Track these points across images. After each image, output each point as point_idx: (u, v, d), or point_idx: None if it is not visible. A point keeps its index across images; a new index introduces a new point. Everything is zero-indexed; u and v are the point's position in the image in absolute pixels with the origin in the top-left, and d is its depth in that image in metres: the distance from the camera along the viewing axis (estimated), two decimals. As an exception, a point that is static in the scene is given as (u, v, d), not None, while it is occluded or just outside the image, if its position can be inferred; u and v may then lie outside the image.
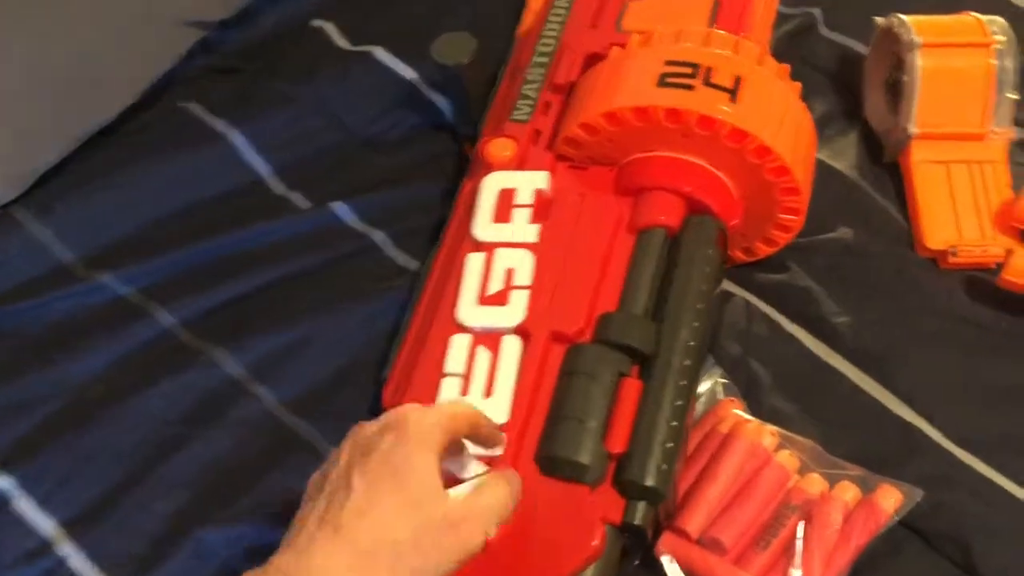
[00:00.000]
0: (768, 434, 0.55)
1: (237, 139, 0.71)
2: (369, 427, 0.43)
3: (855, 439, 0.58)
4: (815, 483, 0.54)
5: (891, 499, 0.53)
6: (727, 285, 0.65)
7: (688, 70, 0.56)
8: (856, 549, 0.52)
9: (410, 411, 0.43)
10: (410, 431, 0.42)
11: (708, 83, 0.56)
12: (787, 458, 0.55)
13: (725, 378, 0.59)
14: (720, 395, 0.59)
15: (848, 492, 0.53)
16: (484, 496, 0.43)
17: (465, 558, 0.41)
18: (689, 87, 0.56)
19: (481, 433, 0.47)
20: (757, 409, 0.59)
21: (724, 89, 0.56)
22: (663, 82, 0.56)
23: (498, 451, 0.49)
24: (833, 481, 0.54)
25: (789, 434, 0.56)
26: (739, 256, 0.65)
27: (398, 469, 0.40)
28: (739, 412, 0.57)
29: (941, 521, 0.54)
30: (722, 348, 0.61)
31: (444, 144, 0.72)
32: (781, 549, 0.52)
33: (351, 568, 0.38)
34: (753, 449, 0.55)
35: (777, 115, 0.57)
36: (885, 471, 0.56)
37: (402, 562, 0.39)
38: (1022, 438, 0.57)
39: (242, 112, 0.73)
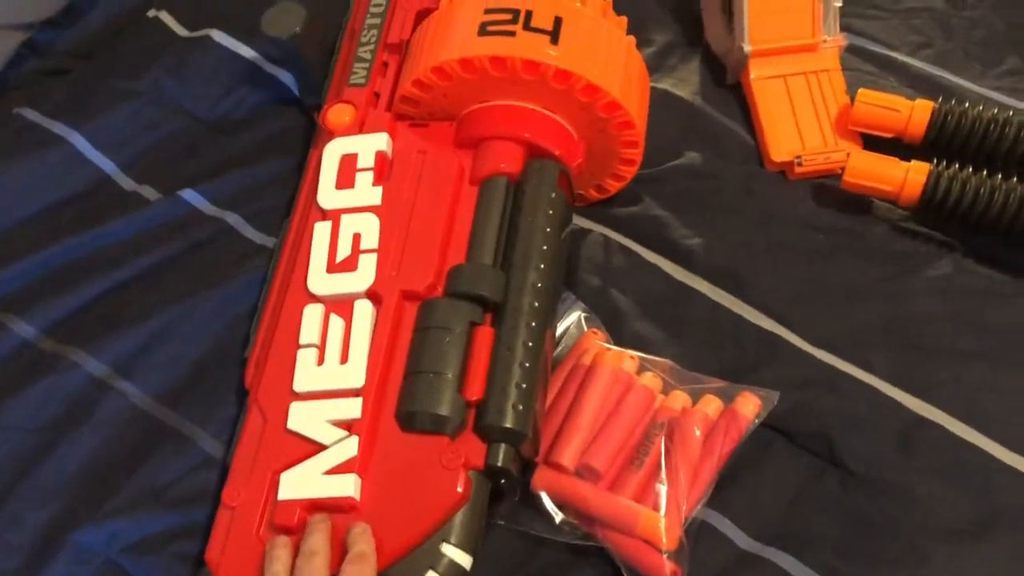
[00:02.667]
0: (628, 358, 0.57)
1: (78, 140, 0.70)
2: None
3: (718, 353, 0.60)
4: (678, 399, 0.56)
5: (750, 405, 0.55)
6: (584, 222, 0.66)
7: (508, 16, 0.57)
8: (721, 458, 0.54)
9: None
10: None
11: (528, 27, 0.56)
12: (650, 379, 0.57)
13: (587, 311, 0.60)
14: (584, 328, 0.60)
15: (710, 405, 0.55)
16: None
17: None
18: (510, 33, 0.56)
19: None
20: (621, 337, 0.60)
21: (544, 32, 0.56)
22: (484, 31, 0.56)
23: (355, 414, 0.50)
24: (696, 396, 0.56)
25: (649, 356, 0.58)
26: (593, 194, 0.66)
27: None
28: (601, 343, 0.58)
29: (802, 419, 0.57)
30: (582, 282, 0.63)
31: (293, 118, 0.72)
32: (654, 466, 0.54)
33: None
34: (616, 375, 0.56)
35: (602, 52, 0.57)
36: (747, 379, 0.58)
37: None
38: (870, 330, 0.60)
39: (80, 112, 0.71)
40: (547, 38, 0.56)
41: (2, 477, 0.56)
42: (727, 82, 0.73)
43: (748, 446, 0.55)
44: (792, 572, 0.51)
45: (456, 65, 0.56)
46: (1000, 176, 0.61)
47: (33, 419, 0.58)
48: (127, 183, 0.69)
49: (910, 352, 0.59)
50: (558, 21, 0.57)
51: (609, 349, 0.57)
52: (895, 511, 0.53)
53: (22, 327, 0.62)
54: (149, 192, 0.68)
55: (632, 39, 0.61)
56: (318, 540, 0.47)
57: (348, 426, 0.50)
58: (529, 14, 0.56)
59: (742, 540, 0.53)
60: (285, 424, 0.51)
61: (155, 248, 0.65)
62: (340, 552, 0.47)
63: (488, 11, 0.57)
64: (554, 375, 0.57)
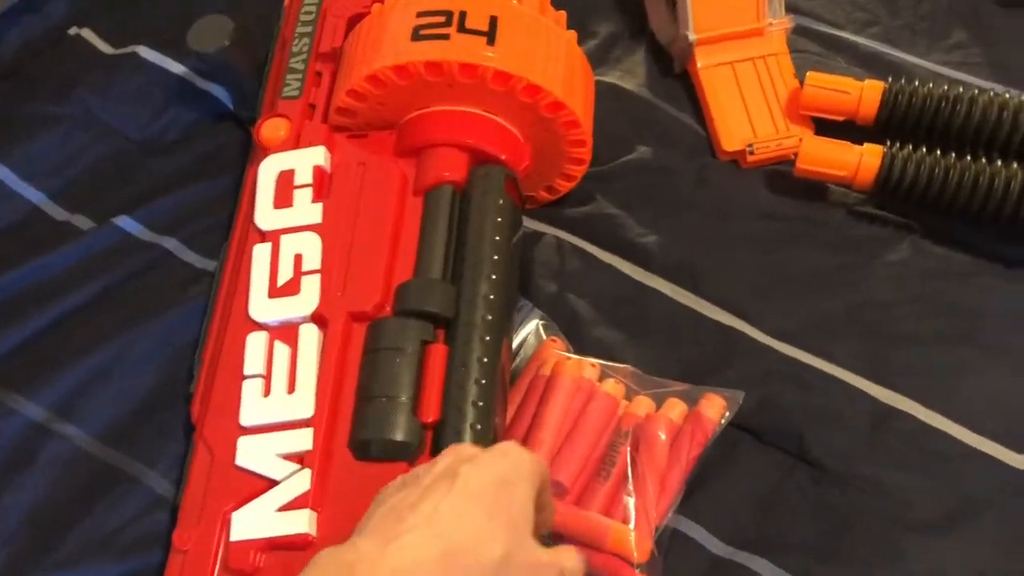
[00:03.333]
0: (589, 366, 0.55)
1: (1, 171, 0.67)
2: (472, 447, 0.40)
3: (679, 353, 0.58)
4: (642, 405, 0.54)
5: (715, 407, 0.54)
6: (537, 225, 0.64)
7: (441, 19, 0.54)
8: (689, 462, 0.53)
9: (516, 447, 0.39)
10: (521, 462, 0.39)
11: (463, 29, 0.54)
12: (613, 387, 0.55)
13: (545, 319, 0.59)
14: (543, 336, 0.58)
15: (674, 409, 0.54)
16: (567, 557, 0.39)
17: None
18: (444, 36, 0.54)
19: (543, 499, 0.41)
20: (581, 343, 0.58)
21: (480, 33, 0.54)
22: (417, 35, 0.54)
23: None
24: (660, 400, 0.55)
25: (610, 363, 0.56)
26: (544, 196, 0.64)
27: (504, 488, 0.37)
28: (560, 351, 0.57)
29: (769, 416, 0.55)
30: (538, 289, 0.61)
31: (229, 134, 0.69)
32: (620, 477, 0.52)
33: (438, 566, 0.35)
34: (577, 384, 0.55)
35: (541, 51, 0.56)
36: (710, 378, 0.56)
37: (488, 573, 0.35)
38: (832, 319, 0.59)
39: (2, 141, 0.68)
40: (483, 39, 0.54)
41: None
42: (674, 72, 0.71)
43: (716, 448, 0.54)
44: (768, 577, 0.50)
45: (391, 72, 0.54)
46: (954, 155, 0.60)
47: (-31, 470, 0.55)
48: (58, 213, 0.66)
49: (873, 340, 0.58)
50: (493, 21, 0.55)
51: (569, 358, 0.56)
52: (868, 506, 0.52)
53: (-45, 371, 0.59)
54: (82, 221, 0.65)
55: (573, 34, 0.59)
56: None
57: (300, 459, 0.48)
58: (463, 15, 0.54)
59: (715, 546, 0.52)
60: (234, 460, 0.49)
61: (91, 280, 0.62)
62: None
63: (420, 14, 0.55)
64: (514, 388, 0.56)
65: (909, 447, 0.54)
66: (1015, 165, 0.59)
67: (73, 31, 0.74)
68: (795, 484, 0.54)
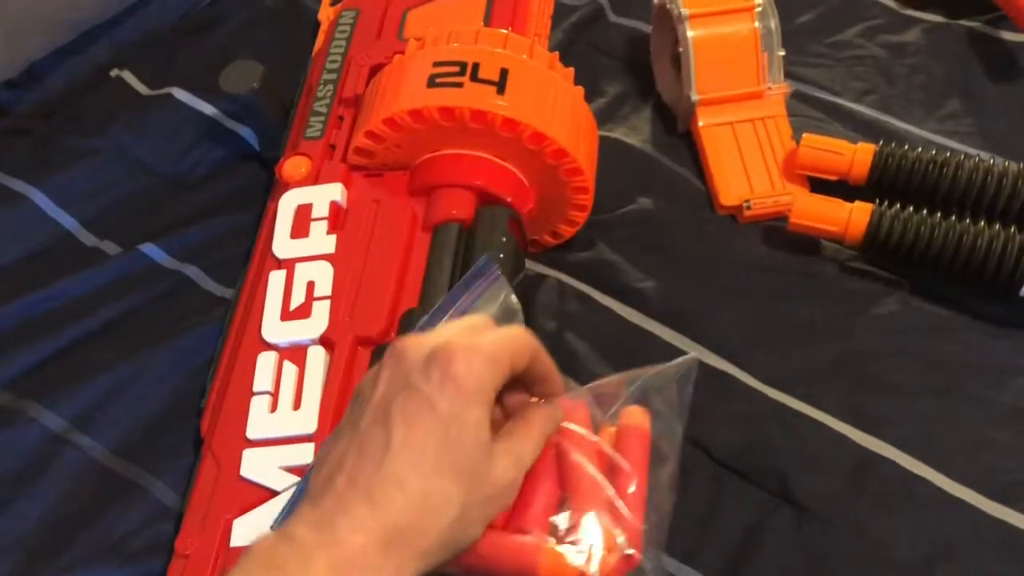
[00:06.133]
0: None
1: (38, 197, 0.71)
2: (413, 351, 0.35)
3: (672, 394, 0.60)
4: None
5: (637, 416, 0.45)
6: (540, 268, 0.67)
7: (455, 68, 0.58)
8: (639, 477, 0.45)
9: (465, 362, 0.34)
10: (461, 376, 0.34)
11: (476, 79, 0.58)
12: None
13: None
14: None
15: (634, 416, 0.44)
16: (522, 445, 0.36)
17: (499, 507, 0.36)
18: (458, 84, 0.58)
19: (538, 369, 0.38)
20: (579, 380, 0.60)
21: (491, 83, 0.58)
22: (433, 83, 0.58)
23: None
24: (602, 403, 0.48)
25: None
26: (548, 240, 0.67)
27: (448, 427, 0.33)
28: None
29: (755, 457, 0.57)
30: (538, 328, 0.63)
31: (253, 173, 0.73)
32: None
33: (382, 549, 0.32)
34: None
35: (548, 102, 0.59)
36: (701, 418, 0.57)
37: (443, 539, 0.33)
38: (821, 369, 0.61)
39: (41, 170, 0.72)
40: (494, 88, 0.58)
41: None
42: (678, 130, 0.75)
43: (701, 487, 0.56)
44: (751, 617, 0.51)
45: (407, 116, 0.58)
46: (940, 214, 0.63)
47: (-11, 475, 0.58)
48: (88, 239, 0.70)
49: (860, 389, 0.60)
50: (504, 72, 0.58)
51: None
52: (849, 548, 0.53)
53: (-20, 381, 0.62)
54: (110, 247, 0.69)
55: (580, 89, 0.63)
56: None
57: (301, 472, 0.51)
58: (476, 66, 0.58)
59: (698, 581, 0.53)
60: (238, 471, 0.51)
61: (114, 302, 0.65)
62: None
63: (437, 64, 0.59)
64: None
65: (892, 492, 0.55)
66: (998, 226, 0.61)
67: (114, 72, 0.79)
68: (778, 524, 0.55)
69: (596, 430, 0.43)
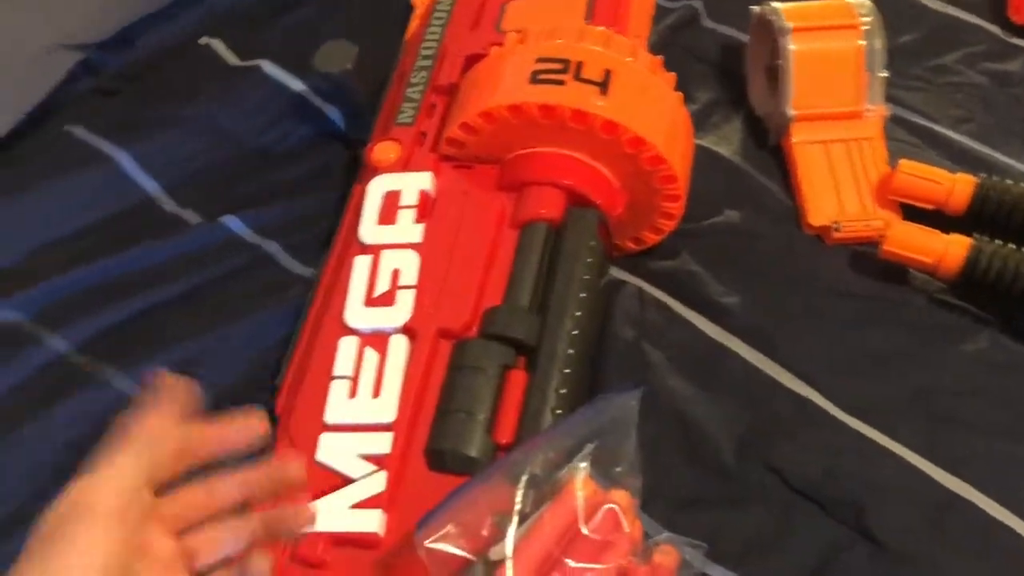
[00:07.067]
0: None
1: (124, 160, 0.71)
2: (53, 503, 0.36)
3: (749, 413, 0.59)
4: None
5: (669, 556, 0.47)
6: (620, 274, 0.66)
7: (559, 66, 0.57)
8: None
9: (73, 501, 0.35)
10: (79, 503, 0.35)
11: (579, 78, 0.57)
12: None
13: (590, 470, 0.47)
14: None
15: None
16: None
17: None
18: (560, 82, 0.57)
19: (198, 449, 0.39)
20: (654, 392, 0.59)
21: (595, 83, 0.57)
22: (535, 79, 0.57)
23: (384, 449, 0.50)
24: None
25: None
26: (630, 246, 0.66)
27: (55, 543, 0.34)
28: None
29: (832, 487, 0.56)
30: (615, 335, 0.62)
31: (336, 153, 0.72)
32: None
33: None
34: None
35: (649, 106, 0.58)
36: (778, 442, 0.57)
37: None
38: (904, 401, 0.59)
39: (128, 133, 0.72)
40: (597, 89, 0.57)
41: (30, 494, 0.55)
42: (768, 143, 0.73)
43: (773, 513, 0.55)
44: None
45: (505, 111, 0.57)
46: (1041, 254, 0.61)
47: (64, 436, 0.58)
48: (170, 205, 0.70)
49: (942, 425, 0.58)
50: (608, 74, 0.57)
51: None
52: (924, 587, 0.52)
53: (56, 341, 0.62)
54: (191, 216, 0.69)
55: (680, 95, 0.62)
56: None
57: (377, 461, 0.50)
58: (580, 65, 0.57)
59: (768, 611, 0.52)
60: (314, 455, 0.51)
61: (193, 272, 0.65)
62: None
63: (540, 60, 0.58)
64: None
65: (972, 537, 0.54)
66: (1102, 271, 0.59)
67: (203, 41, 0.79)
68: (852, 558, 0.54)
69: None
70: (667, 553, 0.49)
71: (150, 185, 0.70)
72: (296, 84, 0.75)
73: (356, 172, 0.68)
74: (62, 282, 0.65)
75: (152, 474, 0.36)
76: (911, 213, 0.67)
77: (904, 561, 0.53)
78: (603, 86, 0.57)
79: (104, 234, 0.68)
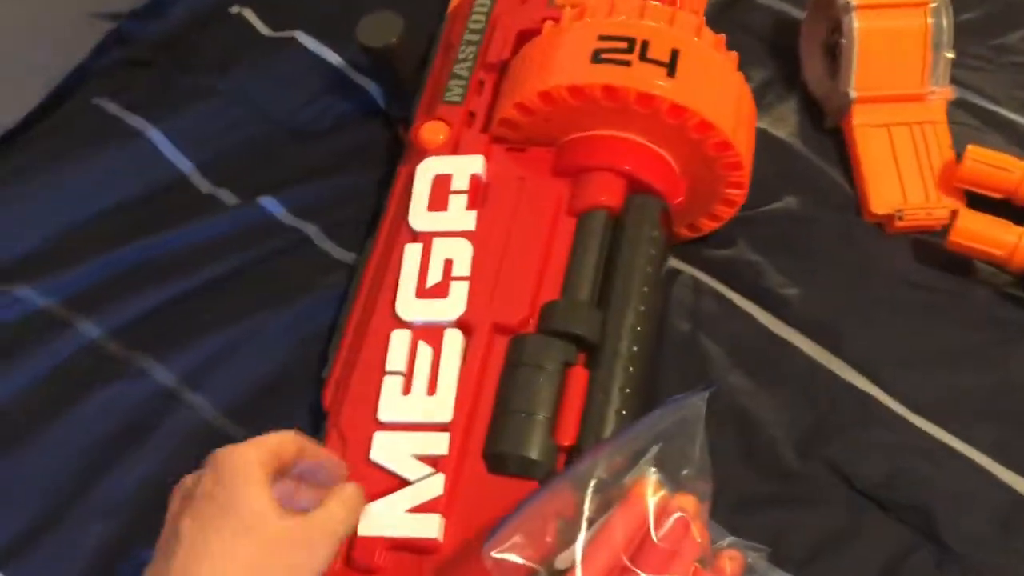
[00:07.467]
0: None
1: (156, 136, 0.68)
2: (190, 476, 0.42)
3: (813, 411, 0.57)
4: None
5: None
6: (674, 262, 0.63)
7: (623, 44, 0.54)
8: None
9: (225, 452, 0.41)
10: (226, 469, 0.40)
11: (644, 58, 0.54)
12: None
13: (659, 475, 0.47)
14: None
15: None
16: (322, 512, 0.42)
17: (317, 572, 0.40)
18: (625, 63, 0.54)
19: (308, 458, 0.44)
20: (712, 381, 0.57)
21: (661, 64, 0.54)
22: (598, 58, 0.54)
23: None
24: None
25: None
26: (684, 233, 0.63)
27: (223, 504, 0.39)
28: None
29: (898, 489, 0.54)
30: (672, 327, 0.60)
31: (376, 130, 0.69)
32: None
33: None
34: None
35: (716, 88, 0.55)
36: (842, 442, 0.55)
37: None
38: (974, 400, 0.57)
39: (160, 107, 0.69)
40: (663, 70, 0.53)
41: (64, 487, 0.54)
42: (825, 125, 0.70)
43: (838, 515, 0.53)
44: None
45: (565, 91, 0.54)
46: (1117, 249, 0.58)
47: (98, 428, 0.56)
48: (204, 185, 0.67)
49: (1012, 426, 0.56)
50: (675, 54, 0.54)
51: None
52: (994, 598, 0.50)
53: (88, 327, 0.60)
54: (226, 195, 0.66)
55: (743, 76, 0.59)
56: None
57: (434, 462, 0.48)
58: (645, 44, 0.54)
59: (833, 615, 0.50)
60: (367, 454, 0.49)
61: (230, 255, 0.62)
62: None
63: (602, 38, 0.55)
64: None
65: (1044, 543, 0.52)
66: None
67: (235, 9, 0.76)
68: (918, 562, 0.52)
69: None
70: (733, 559, 0.48)
71: (183, 163, 0.67)
72: (333, 57, 0.72)
73: (397, 151, 0.65)
74: (94, 265, 0.62)
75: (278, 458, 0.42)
76: (975, 201, 0.65)
77: (971, 567, 0.51)
78: (670, 67, 0.53)
79: (136, 215, 0.65)
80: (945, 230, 0.62)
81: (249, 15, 0.75)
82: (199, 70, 0.72)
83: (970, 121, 0.70)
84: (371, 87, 0.71)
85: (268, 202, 0.65)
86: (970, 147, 0.64)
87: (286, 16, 0.75)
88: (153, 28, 0.74)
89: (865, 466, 0.55)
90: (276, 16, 0.75)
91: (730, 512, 0.53)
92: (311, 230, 0.64)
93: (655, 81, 0.53)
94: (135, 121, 0.69)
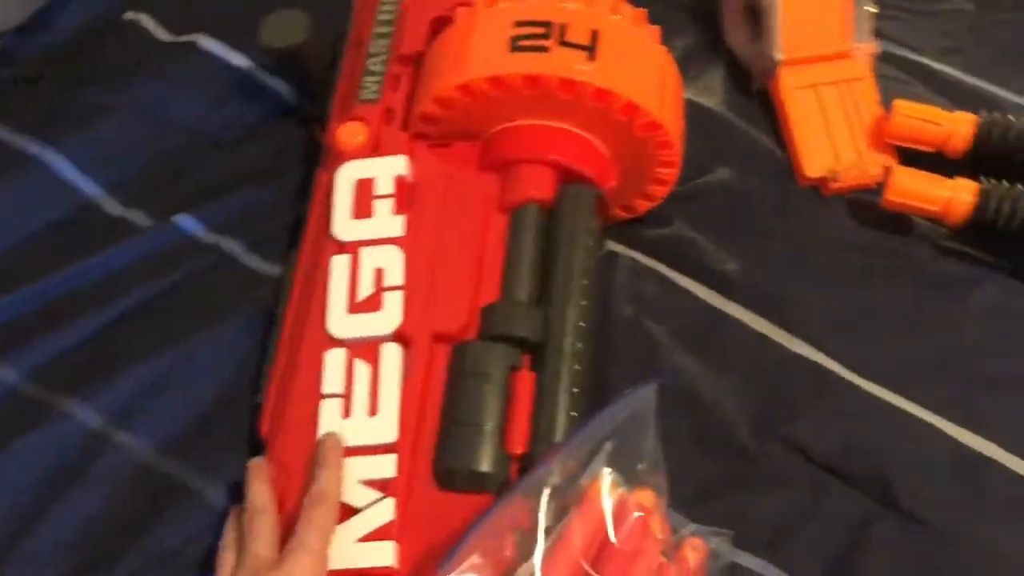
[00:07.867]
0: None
1: (54, 159, 0.63)
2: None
3: (762, 387, 0.56)
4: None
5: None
6: (612, 245, 0.62)
7: (540, 30, 0.52)
8: None
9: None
10: None
11: (564, 42, 0.52)
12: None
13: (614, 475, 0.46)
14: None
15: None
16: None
17: None
18: (544, 48, 0.51)
19: None
20: (659, 371, 0.56)
21: (581, 47, 0.52)
22: (516, 46, 0.52)
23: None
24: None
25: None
26: (620, 214, 0.62)
27: None
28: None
29: (856, 459, 0.53)
30: (615, 311, 0.58)
31: (291, 134, 0.66)
32: None
33: None
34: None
35: (640, 68, 0.53)
36: (797, 416, 0.54)
37: None
38: (925, 362, 0.57)
39: (56, 127, 0.65)
40: (584, 54, 0.51)
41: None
42: (752, 90, 0.69)
43: (798, 490, 0.52)
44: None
45: (484, 83, 0.52)
46: (1049, 193, 0.58)
47: (24, 477, 0.52)
48: (114, 207, 0.62)
49: (964, 383, 0.56)
50: (595, 35, 0.52)
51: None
52: (962, 559, 0.50)
53: (3, 372, 0.56)
54: (139, 217, 0.62)
55: (667, 51, 0.57)
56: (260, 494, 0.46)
57: (382, 486, 0.46)
58: (564, 28, 0.52)
59: (804, 594, 0.50)
60: (310, 484, 0.46)
61: (149, 281, 0.59)
62: None
63: (519, 23, 0.52)
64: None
65: (1004, 499, 0.52)
66: (1116, 209, 0.57)
67: (130, 16, 0.71)
68: (883, 531, 0.51)
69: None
70: (696, 548, 0.47)
71: (89, 187, 0.63)
72: (238, 59, 0.68)
73: (315, 154, 0.62)
74: (2, 304, 0.58)
75: None
76: (907, 155, 0.64)
77: (938, 531, 0.51)
78: (591, 50, 0.51)
79: (43, 247, 0.60)
80: (880, 187, 0.61)
81: (146, 21, 0.71)
82: (96, 84, 0.67)
83: (895, 73, 0.70)
84: (282, 88, 0.67)
85: (184, 220, 0.61)
86: (897, 102, 0.63)
87: (185, 19, 0.71)
88: (41, 42, 0.69)
89: (821, 439, 0.54)
90: (174, 20, 0.71)
91: (690, 499, 0.52)
92: (232, 246, 0.61)
93: (576, 66, 0.51)
94: (29, 145, 0.64)
